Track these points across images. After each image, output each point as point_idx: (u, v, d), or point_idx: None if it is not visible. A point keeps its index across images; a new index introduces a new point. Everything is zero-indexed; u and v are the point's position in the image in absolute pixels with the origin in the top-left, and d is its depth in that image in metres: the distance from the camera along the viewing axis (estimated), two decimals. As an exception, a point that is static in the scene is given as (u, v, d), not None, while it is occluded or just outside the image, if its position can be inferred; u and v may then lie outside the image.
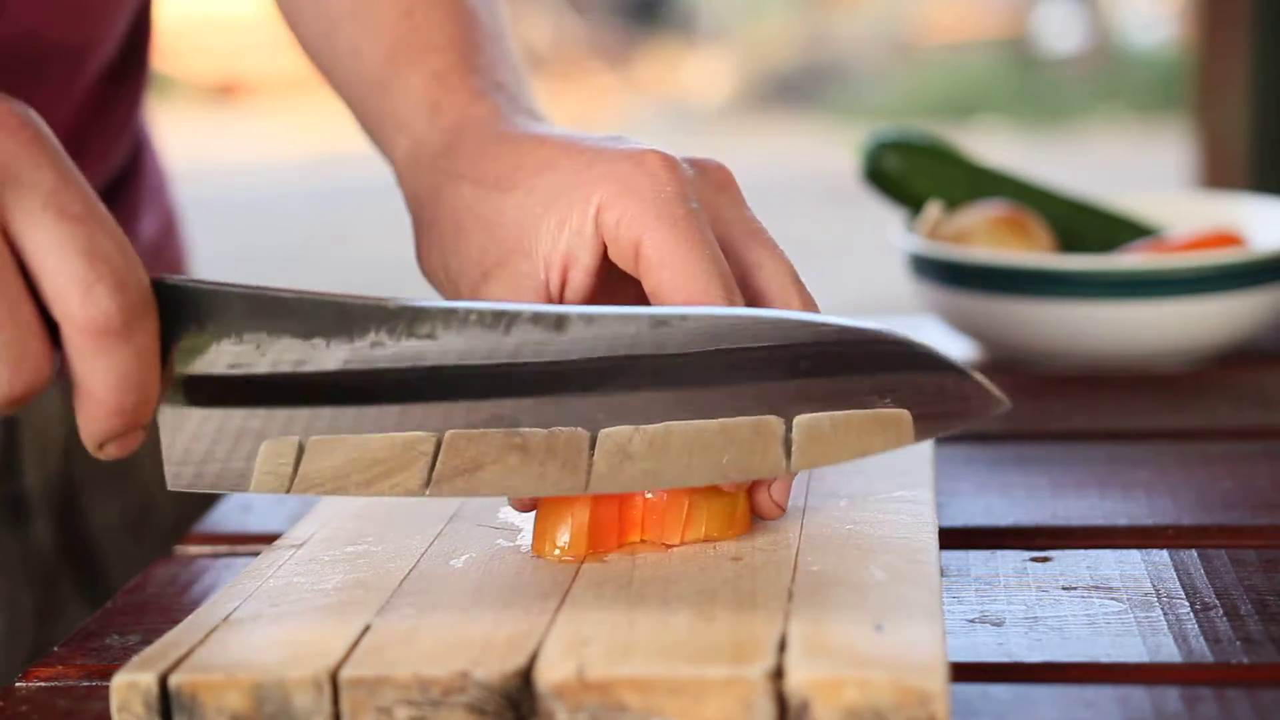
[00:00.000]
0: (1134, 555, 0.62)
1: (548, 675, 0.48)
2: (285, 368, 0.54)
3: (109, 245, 0.50)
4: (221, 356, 0.54)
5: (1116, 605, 0.57)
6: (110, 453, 0.53)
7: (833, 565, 0.55)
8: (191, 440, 0.55)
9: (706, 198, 0.60)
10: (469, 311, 0.54)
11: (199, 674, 0.49)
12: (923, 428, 0.53)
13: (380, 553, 0.59)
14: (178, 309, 0.53)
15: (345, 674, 0.49)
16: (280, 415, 0.55)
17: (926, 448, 0.70)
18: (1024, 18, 8.51)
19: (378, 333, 0.54)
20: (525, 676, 0.48)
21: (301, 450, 0.55)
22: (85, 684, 0.55)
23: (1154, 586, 0.59)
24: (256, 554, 0.62)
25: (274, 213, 5.55)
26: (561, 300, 0.61)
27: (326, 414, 0.54)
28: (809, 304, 0.59)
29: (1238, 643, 0.54)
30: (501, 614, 0.52)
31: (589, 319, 0.54)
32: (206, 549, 0.69)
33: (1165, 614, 0.56)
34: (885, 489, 0.63)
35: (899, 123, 1.16)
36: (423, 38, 0.68)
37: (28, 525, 0.83)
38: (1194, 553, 0.62)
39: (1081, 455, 0.77)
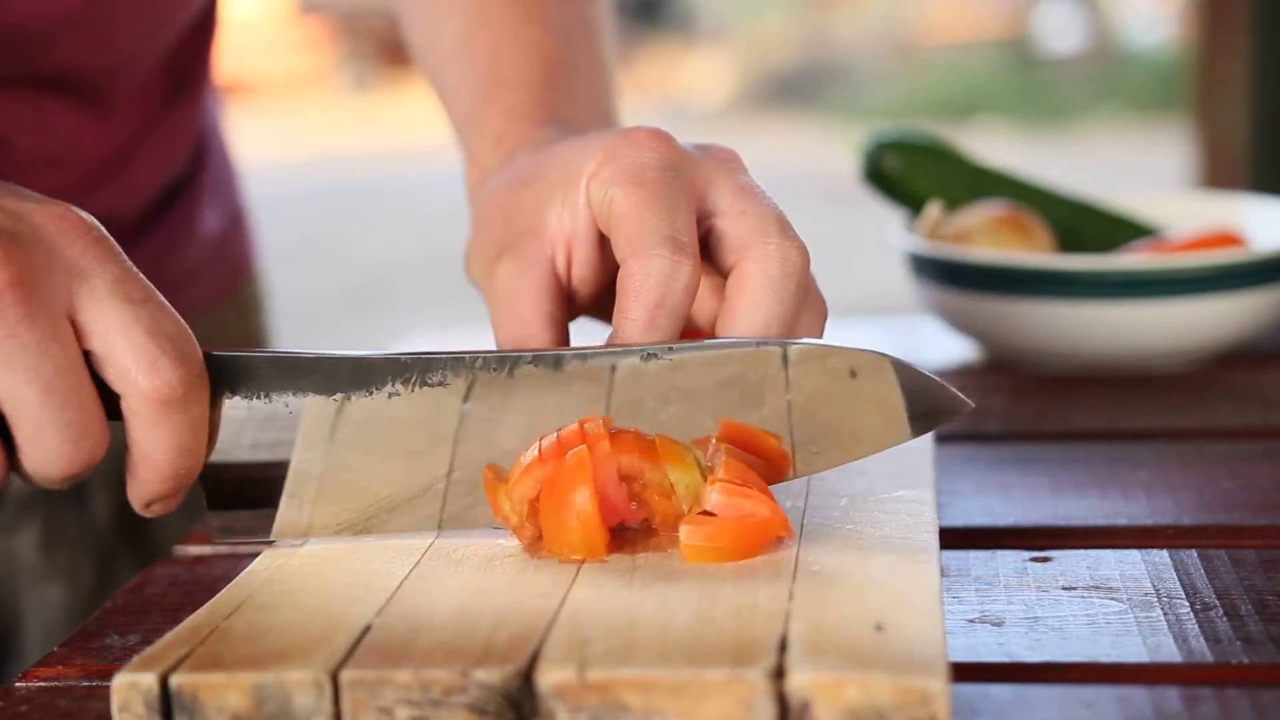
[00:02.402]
0: (1134, 555, 0.62)
1: (549, 675, 0.48)
2: (309, 425, 0.60)
3: (169, 324, 0.55)
4: (254, 420, 0.59)
5: (1116, 605, 0.57)
6: (155, 510, 0.58)
7: (833, 565, 0.55)
8: (232, 498, 0.60)
9: (705, 170, 0.62)
10: (475, 357, 0.59)
11: (200, 674, 0.49)
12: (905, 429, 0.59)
13: (381, 553, 0.59)
14: (215, 378, 0.58)
15: (346, 674, 0.49)
16: (310, 463, 0.60)
17: (927, 447, 0.70)
18: (1024, 18, 8.52)
19: (394, 384, 0.59)
20: (526, 677, 0.48)
21: (322, 488, 0.60)
22: (85, 684, 0.55)
23: (1154, 586, 0.59)
24: (257, 554, 0.62)
25: (273, 213, 5.55)
26: (569, 277, 0.64)
27: (349, 458, 0.60)
28: (787, 246, 0.61)
29: (1238, 643, 0.54)
30: (502, 614, 0.52)
31: (584, 356, 0.59)
32: (207, 549, 0.69)
33: (1165, 614, 0.56)
34: (885, 489, 0.63)
35: (899, 123, 1.16)
36: (504, 76, 0.73)
37: (88, 502, 0.86)
38: (1194, 553, 0.62)
39: (1081, 455, 0.77)
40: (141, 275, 0.56)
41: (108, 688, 0.50)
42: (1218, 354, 0.94)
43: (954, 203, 1.02)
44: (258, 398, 0.59)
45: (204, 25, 0.90)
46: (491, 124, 0.72)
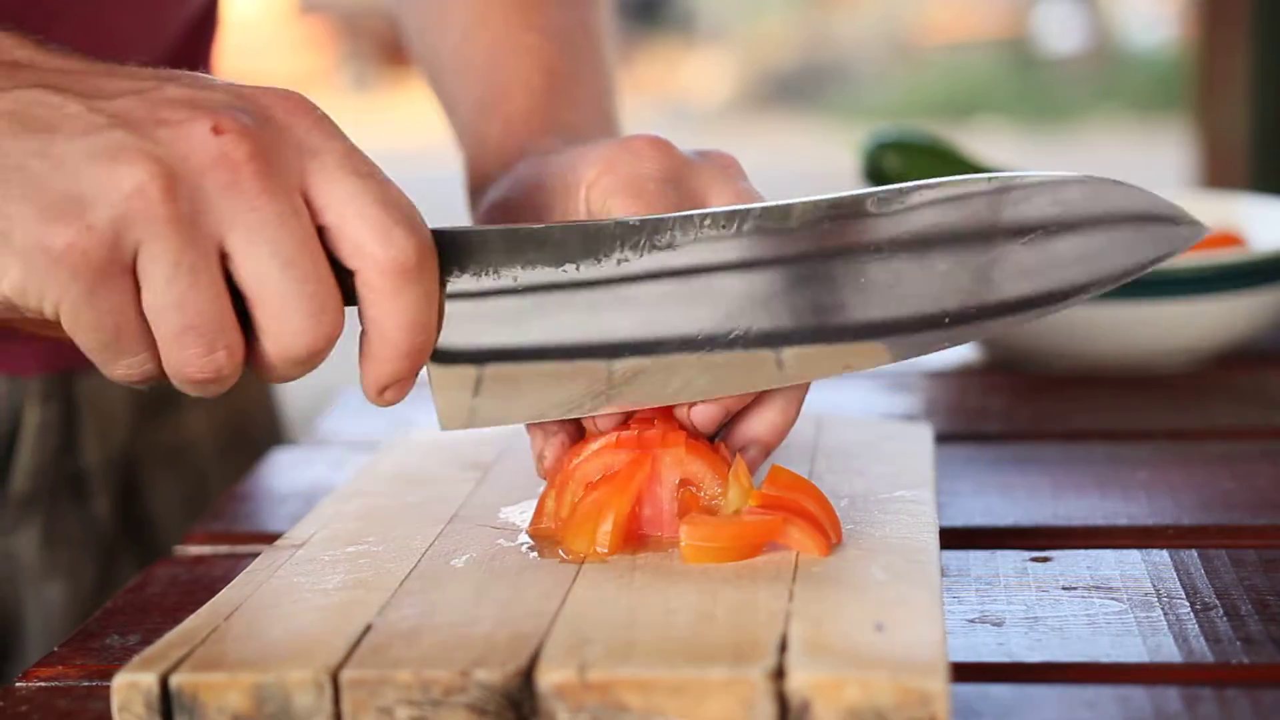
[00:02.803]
0: (1134, 555, 0.62)
1: (549, 675, 0.48)
2: (541, 293, 0.58)
3: (398, 195, 0.55)
4: (485, 295, 0.58)
5: (1116, 605, 0.57)
6: (389, 398, 0.57)
7: (833, 565, 0.55)
8: (461, 380, 0.59)
9: (704, 177, 0.62)
10: (703, 217, 0.58)
11: (200, 674, 0.49)
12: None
13: (381, 553, 0.59)
14: (443, 254, 0.57)
15: (346, 674, 0.49)
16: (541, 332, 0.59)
17: (927, 447, 0.70)
18: (1024, 18, 8.51)
19: (622, 250, 0.58)
20: (526, 676, 0.48)
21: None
22: (85, 684, 0.55)
23: (1154, 586, 0.59)
24: (257, 554, 0.62)
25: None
26: None
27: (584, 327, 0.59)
28: None
29: (1238, 643, 0.54)
30: (502, 614, 0.53)
31: (811, 205, 0.58)
32: (207, 549, 0.69)
33: (1165, 614, 0.56)
34: (886, 489, 0.63)
35: (899, 123, 1.16)
36: (504, 85, 0.73)
37: (89, 501, 0.86)
38: (1194, 553, 0.62)
39: (1081, 455, 0.77)
40: (364, 151, 0.56)
41: (108, 688, 0.50)
42: (1218, 354, 0.94)
43: (954, 203, 1.02)
44: (486, 274, 0.58)
45: (204, 24, 0.90)
46: (492, 133, 0.72)
